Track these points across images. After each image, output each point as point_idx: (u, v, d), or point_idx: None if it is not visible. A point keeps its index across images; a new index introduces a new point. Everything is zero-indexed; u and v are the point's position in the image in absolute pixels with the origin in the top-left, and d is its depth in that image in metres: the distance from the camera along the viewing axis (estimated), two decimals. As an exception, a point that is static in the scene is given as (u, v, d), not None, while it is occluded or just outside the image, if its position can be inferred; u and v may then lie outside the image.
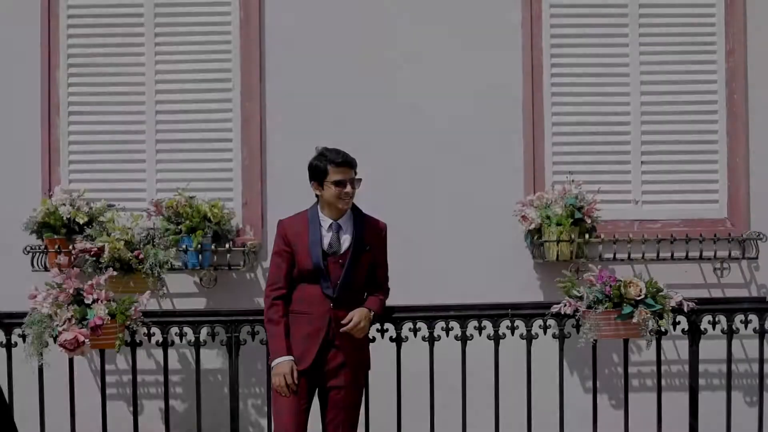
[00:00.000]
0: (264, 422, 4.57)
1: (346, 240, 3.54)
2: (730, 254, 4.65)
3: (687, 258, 4.59)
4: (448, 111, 4.74)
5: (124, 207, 4.59)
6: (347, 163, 3.52)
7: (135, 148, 4.73)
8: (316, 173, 3.53)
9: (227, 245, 4.50)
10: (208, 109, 4.74)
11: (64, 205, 4.41)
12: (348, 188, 3.50)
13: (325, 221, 3.54)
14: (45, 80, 4.71)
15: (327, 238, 3.52)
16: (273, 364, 3.49)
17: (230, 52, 4.73)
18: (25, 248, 4.49)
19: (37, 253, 4.49)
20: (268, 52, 4.74)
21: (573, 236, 4.42)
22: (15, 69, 4.74)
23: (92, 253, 4.21)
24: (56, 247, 4.39)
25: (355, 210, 3.62)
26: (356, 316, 3.49)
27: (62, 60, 4.72)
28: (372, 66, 4.75)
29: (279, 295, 3.53)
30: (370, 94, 4.74)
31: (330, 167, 3.50)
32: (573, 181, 4.52)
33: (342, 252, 3.51)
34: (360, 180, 3.58)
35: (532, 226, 4.46)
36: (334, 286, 3.48)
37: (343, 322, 3.47)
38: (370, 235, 3.58)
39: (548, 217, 4.42)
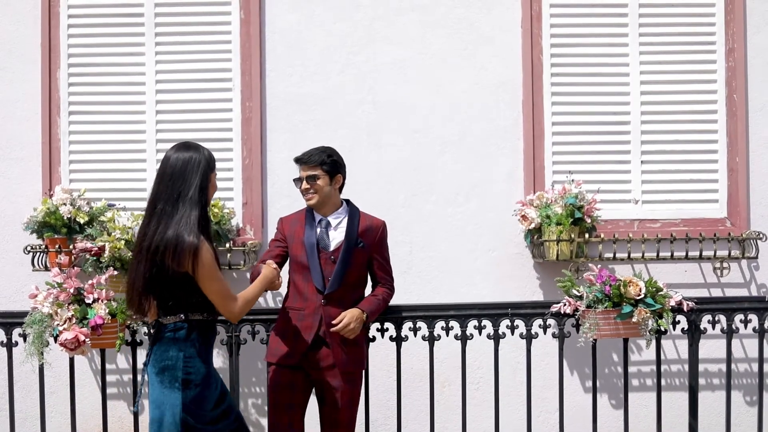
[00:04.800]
0: (264, 421, 4.58)
1: (337, 236, 3.54)
2: (729, 254, 4.65)
3: (687, 257, 4.59)
4: (448, 110, 4.75)
5: (125, 206, 4.59)
6: (299, 160, 3.59)
7: (135, 147, 4.73)
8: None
9: (227, 245, 4.50)
10: (209, 108, 4.74)
11: (65, 204, 4.41)
12: (303, 185, 3.55)
13: (317, 217, 3.58)
14: (45, 80, 4.71)
15: (317, 233, 3.54)
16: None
17: (230, 51, 4.73)
18: (26, 248, 4.49)
19: (38, 253, 4.49)
20: (269, 52, 4.75)
21: (573, 236, 4.42)
22: (15, 69, 4.74)
23: (93, 252, 4.21)
24: (57, 246, 4.39)
25: (351, 207, 3.63)
26: (347, 317, 3.47)
27: (63, 59, 4.72)
28: (372, 66, 4.75)
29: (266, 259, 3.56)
30: (370, 93, 4.75)
31: (297, 165, 3.60)
32: (573, 180, 4.52)
33: (333, 248, 3.52)
34: (316, 176, 3.51)
35: (532, 225, 4.47)
36: (325, 282, 3.49)
37: (333, 322, 3.46)
38: (365, 232, 3.58)
39: (548, 217, 4.43)
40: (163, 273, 2.98)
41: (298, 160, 3.58)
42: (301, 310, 3.50)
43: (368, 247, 3.57)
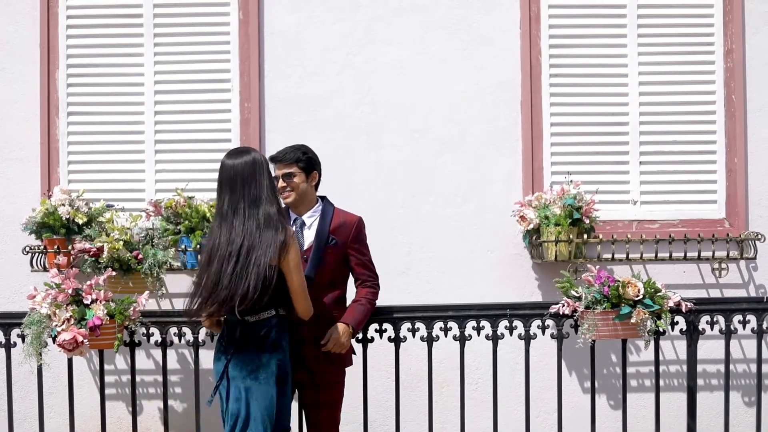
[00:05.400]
0: (263, 422, 4.58)
1: (310, 236, 3.51)
2: (728, 254, 4.65)
3: (685, 258, 4.59)
4: (448, 111, 4.75)
5: (123, 207, 4.60)
6: (274, 159, 3.56)
7: (134, 148, 4.73)
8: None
9: (226, 245, 4.49)
10: (207, 109, 4.74)
11: (63, 205, 4.41)
12: (279, 183, 3.52)
13: (293, 217, 3.56)
14: (44, 80, 4.71)
15: None
16: None
17: (229, 52, 4.73)
18: (24, 248, 4.49)
19: (36, 254, 4.49)
20: (267, 53, 4.75)
21: (571, 236, 4.42)
22: (14, 69, 4.74)
23: (91, 253, 4.21)
24: (55, 247, 4.39)
25: (326, 204, 3.59)
26: (333, 334, 3.45)
27: (62, 60, 4.72)
28: (371, 66, 4.75)
29: None
30: (369, 94, 4.75)
31: (273, 165, 3.58)
32: (571, 181, 4.52)
33: (306, 248, 3.48)
34: (292, 174, 3.51)
35: (531, 226, 4.47)
36: None
37: (321, 342, 3.43)
38: (338, 228, 3.52)
39: (547, 218, 4.43)
40: (252, 271, 3.08)
41: (274, 159, 3.55)
42: None
43: (342, 243, 3.51)
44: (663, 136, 4.76)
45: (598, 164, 4.75)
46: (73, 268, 3.86)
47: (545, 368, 4.49)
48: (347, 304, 3.59)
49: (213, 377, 3.31)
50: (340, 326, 3.47)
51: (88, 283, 3.78)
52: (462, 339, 3.94)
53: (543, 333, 3.96)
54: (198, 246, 4.35)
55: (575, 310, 3.88)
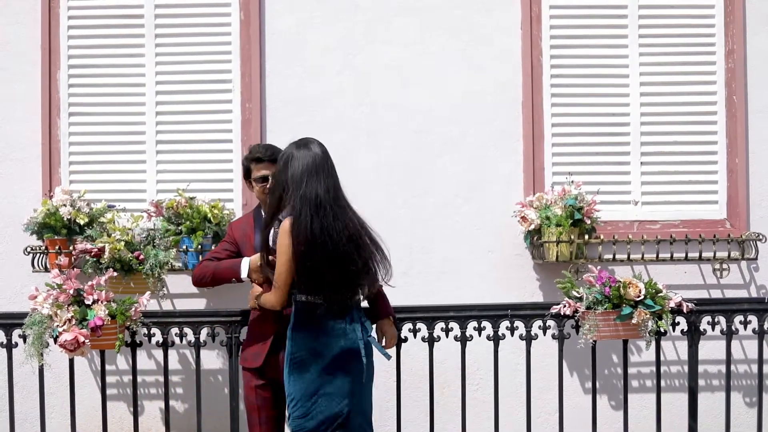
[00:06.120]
0: (264, 422, 4.57)
1: None
2: (729, 255, 4.65)
3: (686, 259, 4.59)
4: (448, 111, 4.75)
5: (125, 208, 4.60)
6: (259, 158, 3.54)
7: (135, 148, 4.73)
8: (244, 173, 3.60)
9: (227, 246, 4.49)
10: (209, 110, 4.74)
11: (65, 205, 4.41)
12: (270, 184, 3.50)
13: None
14: (45, 81, 4.71)
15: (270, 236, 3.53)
16: (242, 267, 3.47)
17: (230, 53, 4.73)
18: (26, 249, 4.49)
19: (38, 254, 4.49)
20: (268, 53, 4.75)
21: (572, 237, 4.42)
22: (15, 69, 4.74)
23: (92, 253, 4.21)
24: (57, 247, 4.39)
25: None
26: (389, 331, 3.60)
27: (63, 60, 4.72)
28: (371, 67, 4.75)
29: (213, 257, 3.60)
30: (369, 94, 4.75)
31: (252, 165, 3.54)
32: (572, 182, 4.52)
33: None
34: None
35: (532, 227, 4.47)
36: None
37: (384, 344, 3.55)
38: None
39: (548, 218, 4.43)
40: (374, 247, 3.28)
41: (258, 158, 3.54)
42: (261, 313, 3.47)
43: None
44: (664, 137, 4.76)
45: (599, 165, 4.75)
46: (75, 269, 3.86)
47: (546, 369, 4.49)
48: None
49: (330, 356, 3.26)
50: (387, 321, 3.61)
51: (90, 283, 3.78)
52: (463, 339, 3.94)
53: (544, 333, 3.96)
54: (199, 246, 4.35)
55: (576, 311, 3.88)
